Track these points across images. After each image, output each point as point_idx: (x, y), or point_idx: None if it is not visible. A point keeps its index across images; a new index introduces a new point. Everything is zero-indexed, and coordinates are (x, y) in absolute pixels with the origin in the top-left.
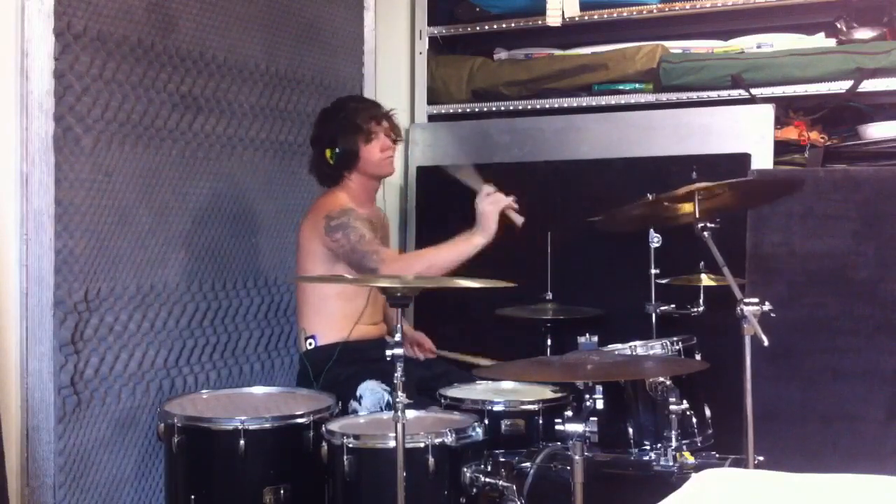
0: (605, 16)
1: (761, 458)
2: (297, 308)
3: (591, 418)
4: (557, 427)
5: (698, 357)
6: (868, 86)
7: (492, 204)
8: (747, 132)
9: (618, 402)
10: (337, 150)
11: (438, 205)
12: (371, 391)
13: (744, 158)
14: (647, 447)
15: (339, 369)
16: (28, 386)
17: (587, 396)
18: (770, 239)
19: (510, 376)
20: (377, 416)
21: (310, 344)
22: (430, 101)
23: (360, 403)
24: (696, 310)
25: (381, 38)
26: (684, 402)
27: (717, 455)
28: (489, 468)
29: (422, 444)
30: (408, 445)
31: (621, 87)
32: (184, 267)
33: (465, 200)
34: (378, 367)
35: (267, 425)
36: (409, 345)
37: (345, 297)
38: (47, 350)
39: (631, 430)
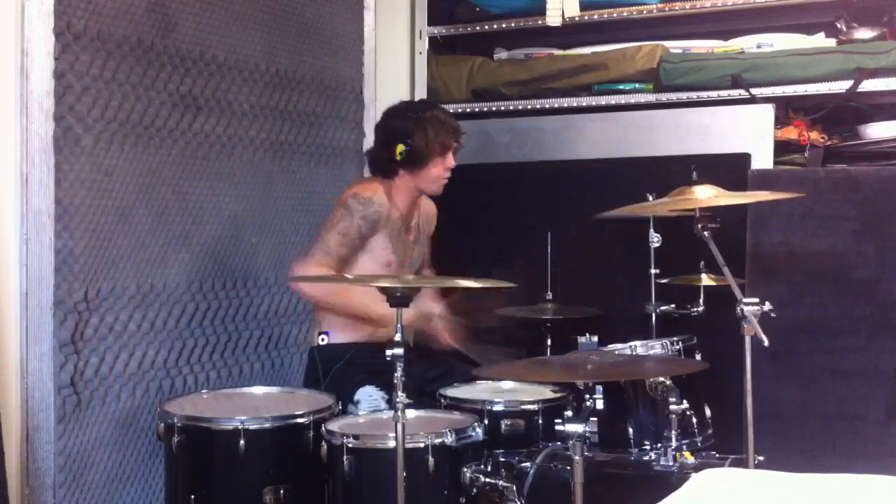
0: (605, 16)
1: (761, 458)
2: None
3: (591, 418)
4: (557, 427)
5: (698, 357)
6: (868, 86)
7: (428, 321)
8: (747, 132)
9: (618, 402)
10: (407, 149)
11: (438, 205)
12: (369, 396)
13: (744, 158)
14: (647, 447)
15: (348, 369)
16: (28, 386)
17: (587, 396)
18: (770, 239)
19: (510, 376)
20: (377, 416)
21: (322, 339)
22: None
23: (356, 407)
24: (696, 310)
25: (381, 38)
26: (684, 402)
27: (717, 455)
28: (489, 468)
29: (422, 444)
30: (408, 445)
31: (621, 87)
32: (184, 267)
33: (465, 201)
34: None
35: (267, 425)
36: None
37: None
38: (47, 350)
39: (631, 430)
